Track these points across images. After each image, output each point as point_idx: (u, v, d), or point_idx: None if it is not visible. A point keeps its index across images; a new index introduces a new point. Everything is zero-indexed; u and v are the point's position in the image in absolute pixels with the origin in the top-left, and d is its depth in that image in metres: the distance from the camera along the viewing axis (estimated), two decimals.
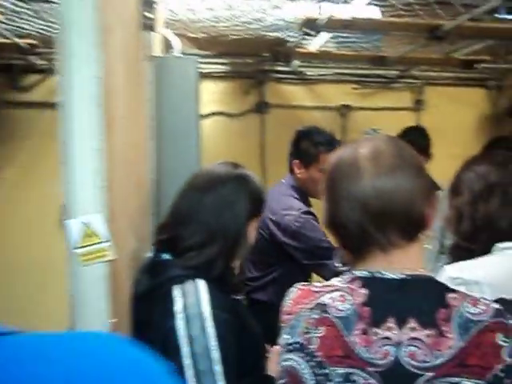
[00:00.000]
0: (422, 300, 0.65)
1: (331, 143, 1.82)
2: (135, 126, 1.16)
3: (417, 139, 2.03)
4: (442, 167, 3.39)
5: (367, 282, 0.68)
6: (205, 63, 2.94)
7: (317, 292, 0.74)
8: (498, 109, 3.35)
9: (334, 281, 0.74)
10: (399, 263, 0.68)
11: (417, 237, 0.70)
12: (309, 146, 1.89)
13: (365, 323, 0.66)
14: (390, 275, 0.67)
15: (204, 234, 1.07)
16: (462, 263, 0.95)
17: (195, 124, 1.67)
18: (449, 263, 1.06)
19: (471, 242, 0.99)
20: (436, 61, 2.62)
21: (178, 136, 1.64)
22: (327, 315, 0.69)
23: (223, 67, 2.99)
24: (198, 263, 1.03)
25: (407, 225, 0.68)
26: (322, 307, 0.70)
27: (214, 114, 3.04)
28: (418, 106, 3.28)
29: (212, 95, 3.03)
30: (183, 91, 1.63)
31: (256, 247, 1.99)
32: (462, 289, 0.90)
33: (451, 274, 0.93)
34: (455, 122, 3.33)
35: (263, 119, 3.10)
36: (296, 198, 1.87)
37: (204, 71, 2.94)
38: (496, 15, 2.02)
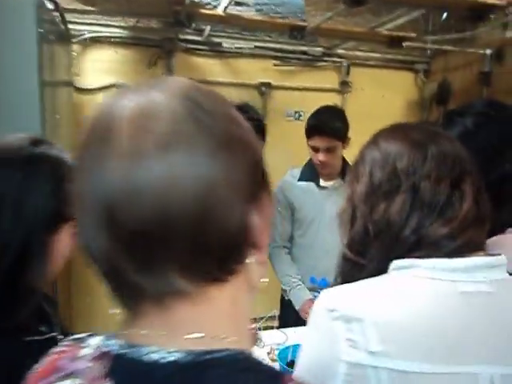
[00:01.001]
0: None
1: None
2: None
3: (330, 121, 1.74)
4: None
5: (116, 364, 0.34)
6: (101, 25, 2.50)
7: (58, 369, 0.39)
8: (425, 94, 3.19)
9: (88, 350, 0.39)
10: (185, 326, 0.35)
11: (228, 273, 0.37)
12: None
13: None
14: (156, 355, 0.34)
15: None
16: (343, 288, 0.65)
17: (36, 94, 1.25)
18: (335, 283, 0.76)
19: (361, 255, 0.69)
20: (360, 35, 2.36)
21: (8, 108, 1.22)
22: None
23: (123, 32, 2.55)
24: None
25: (201, 253, 0.35)
26: None
27: (113, 86, 2.60)
28: (344, 87, 3.03)
29: (110, 64, 2.59)
30: (15, 46, 1.21)
31: None
32: (339, 326, 0.61)
33: (327, 303, 0.63)
34: (381, 106, 3.13)
35: None
36: None
37: (100, 35, 2.51)
38: None
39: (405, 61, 3.12)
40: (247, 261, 0.41)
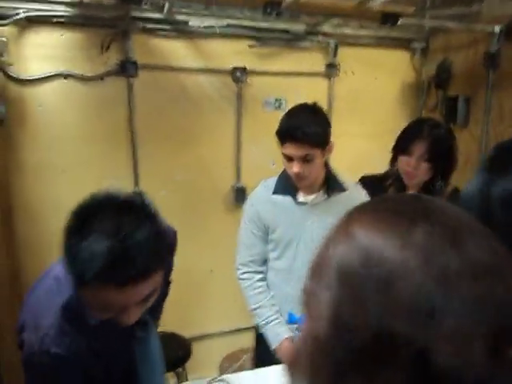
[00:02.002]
0: None
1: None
2: None
3: (305, 125, 1.39)
4: (356, 148, 2.85)
5: None
6: (39, 2, 2.09)
7: None
8: (423, 77, 2.83)
9: None
10: None
11: None
12: None
13: None
14: None
15: None
16: None
17: None
18: None
19: None
20: (348, 11, 1.98)
21: None
22: None
23: (68, 10, 2.14)
24: None
25: None
26: None
27: (59, 75, 2.21)
28: (331, 70, 2.66)
29: (56, 50, 2.19)
30: None
31: None
32: None
33: None
34: (374, 90, 2.77)
35: (130, 84, 2.33)
36: None
37: (40, 14, 2.10)
38: None
39: (400, 39, 2.74)
40: None
